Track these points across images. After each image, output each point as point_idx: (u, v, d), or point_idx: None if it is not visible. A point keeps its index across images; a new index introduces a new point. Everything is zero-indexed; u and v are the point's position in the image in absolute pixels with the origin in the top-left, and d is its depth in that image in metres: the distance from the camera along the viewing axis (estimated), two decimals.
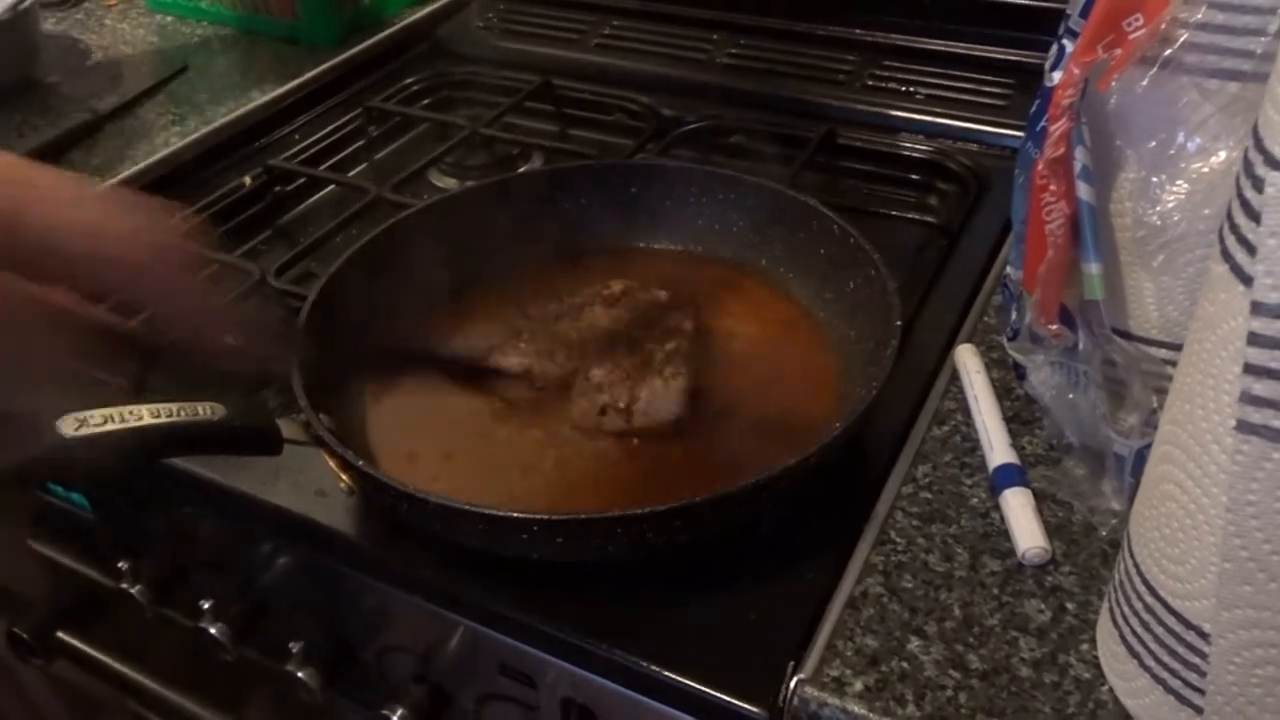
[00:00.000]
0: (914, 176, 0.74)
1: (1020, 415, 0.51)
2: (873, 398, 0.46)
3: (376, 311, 0.56)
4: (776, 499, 0.46)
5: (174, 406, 0.42)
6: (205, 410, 0.44)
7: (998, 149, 0.74)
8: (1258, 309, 0.26)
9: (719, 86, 0.83)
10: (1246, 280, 0.28)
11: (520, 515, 0.42)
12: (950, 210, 0.70)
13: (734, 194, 0.62)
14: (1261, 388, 0.26)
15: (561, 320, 0.56)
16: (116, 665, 0.64)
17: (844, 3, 0.86)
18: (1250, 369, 0.26)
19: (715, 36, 0.89)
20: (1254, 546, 0.29)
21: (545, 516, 0.42)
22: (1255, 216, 0.27)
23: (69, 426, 0.40)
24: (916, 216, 0.70)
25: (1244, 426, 0.27)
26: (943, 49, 0.82)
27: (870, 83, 0.81)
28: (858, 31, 0.85)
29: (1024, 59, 0.79)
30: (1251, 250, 0.28)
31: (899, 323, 0.50)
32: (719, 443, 0.51)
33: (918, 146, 0.75)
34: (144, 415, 0.42)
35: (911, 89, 0.80)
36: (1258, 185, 0.28)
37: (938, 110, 0.77)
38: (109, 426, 0.41)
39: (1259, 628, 0.30)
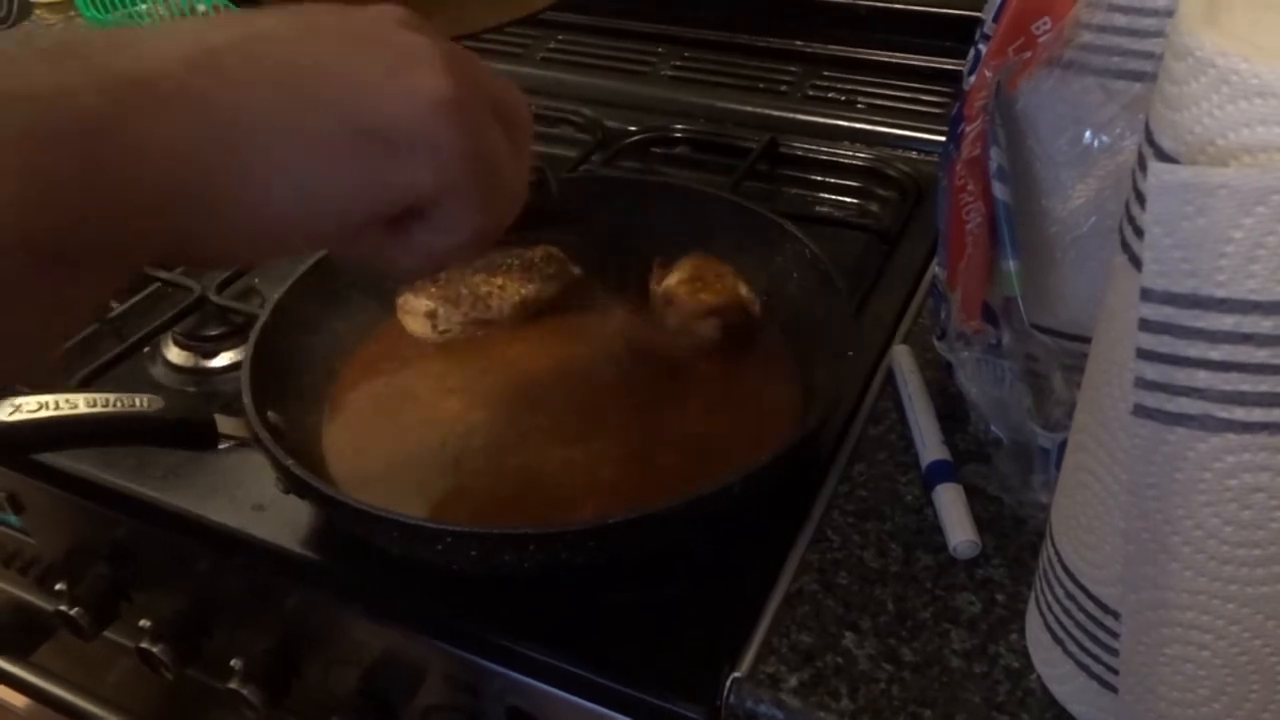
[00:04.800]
0: (854, 184, 0.75)
1: (954, 413, 0.52)
2: (804, 435, 0.46)
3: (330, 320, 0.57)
4: (699, 523, 0.45)
5: (111, 397, 0.43)
6: (142, 402, 0.44)
7: (935, 156, 0.75)
8: (1146, 294, 0.27)
9: (663, 98, 0.84)
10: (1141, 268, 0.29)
11: (433, 525, 0.42)
12: (889, 216, 0.71)
13: (677, 203, 0.62)
14: (1153, 372, 0.27)
15: (476, 274, 0.57)
16: (58, 691, 0.63)
17: (785, 15, 0.88)
18: (1142, 354, 0.27)
19: (660, 49, 0.90)
20: (1155, 528, 0.29)
21: (458, 528, 0.42)
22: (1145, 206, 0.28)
23: (3, 411, 0.41)
24: (857, 222, 0.71)
25: (1139, 410, 0.28)
26: (881, 59, 0.84)
27: (811, 93, 0.83)
28: (799, 43, 0.87)
29: (959, 68, 0.80)
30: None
31: (850, 353, 0.50)
32: (666, 456, 0.51)
33: (858, 154, 0.76)
34: (80, 404, 0.42)
35: (852, 98, 0.81)
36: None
37: (877, 119, 0.79)
38: (43, 413, 0.42)
39: (1163, 608, 0.31)
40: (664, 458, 0.51)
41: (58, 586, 0.59)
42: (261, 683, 0.54)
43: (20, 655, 0.64)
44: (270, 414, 0.47)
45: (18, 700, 0.74)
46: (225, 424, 0.46)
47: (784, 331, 0.58)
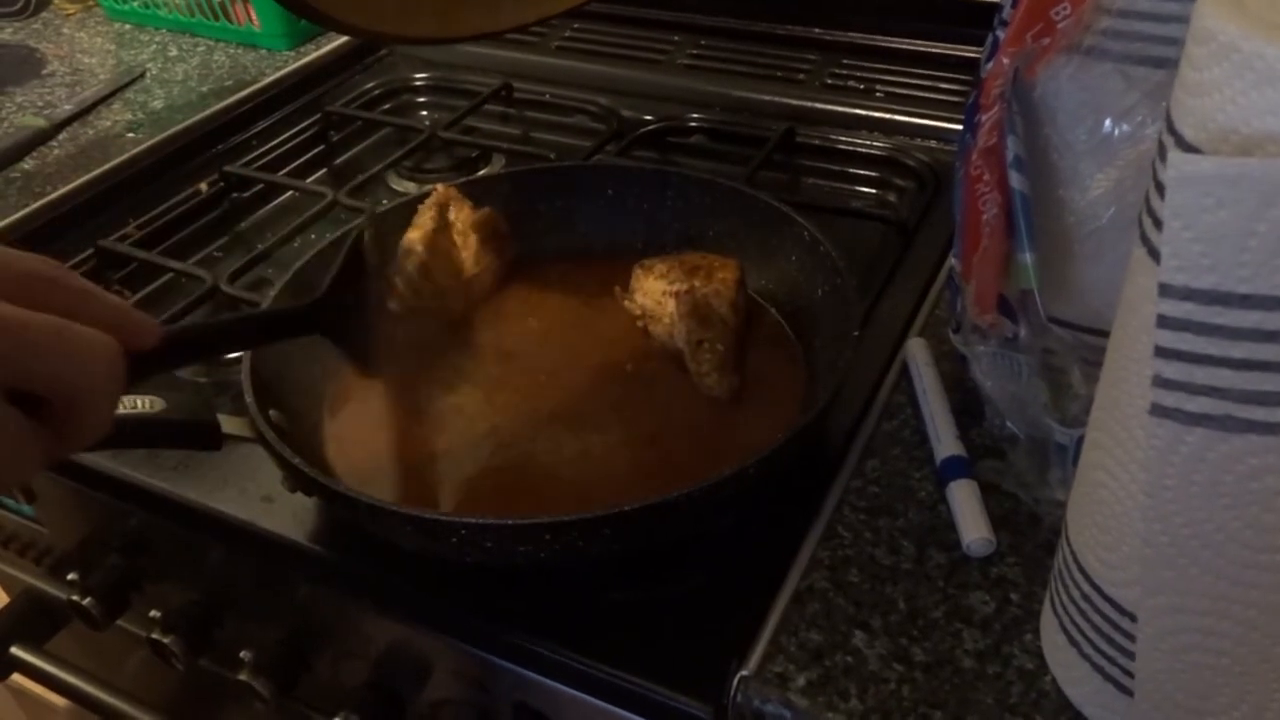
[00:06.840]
0: (872, 173, 0.74)
1: (970, 408, 0.51)
2: (818, 411, 0.45)
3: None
4: (715, 509, 0.44)
5: None
6: (144, 404, 0.44)
7: (955, 145, 0.74)
8: (1164, 290, 0.26)
9: (679, 87, 0.83)
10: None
11: (449, 519, 0.41)
12: (907, 206, 0.70)
13: (693, 193, 0.61)
14: (1171, 370, 0.26)
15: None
16: (72, 680, 0.63)
17: (803, 2, 0.86)
18: (1160, 352, 0.26)
19: (675, 38, 0.89)
20: (1173, 531, 0.28)
21: (474, 520, 0.41)
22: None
23: None
24: (875, 213, 0.70)
25: (1157, 410, 0.27)
26: (901, 46, 0.83)
27: (829, 81, 0.81)
28: (817, 30, 0.85)
29: (980, 55, 0.79)
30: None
31: (856, 333, 0.49)
32: (676, 445, 0.51)
33: (876, 144, 0.75)
34: None
35: (870, 87, 0.80)
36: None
37: (896, 107, 0.77)
38: None
39: (1182, 613, 0.30)
40: (674, 446, 0.50)
41: (70, 576, 0.59)
42: (271, 674, 0.54)
43: (35, 644, 0.64)
44: (273, 412, 0.47)
45: (59, 700, 0.75)
46: (229, 424, 0.46)
47: (788, 316, 0.57)
